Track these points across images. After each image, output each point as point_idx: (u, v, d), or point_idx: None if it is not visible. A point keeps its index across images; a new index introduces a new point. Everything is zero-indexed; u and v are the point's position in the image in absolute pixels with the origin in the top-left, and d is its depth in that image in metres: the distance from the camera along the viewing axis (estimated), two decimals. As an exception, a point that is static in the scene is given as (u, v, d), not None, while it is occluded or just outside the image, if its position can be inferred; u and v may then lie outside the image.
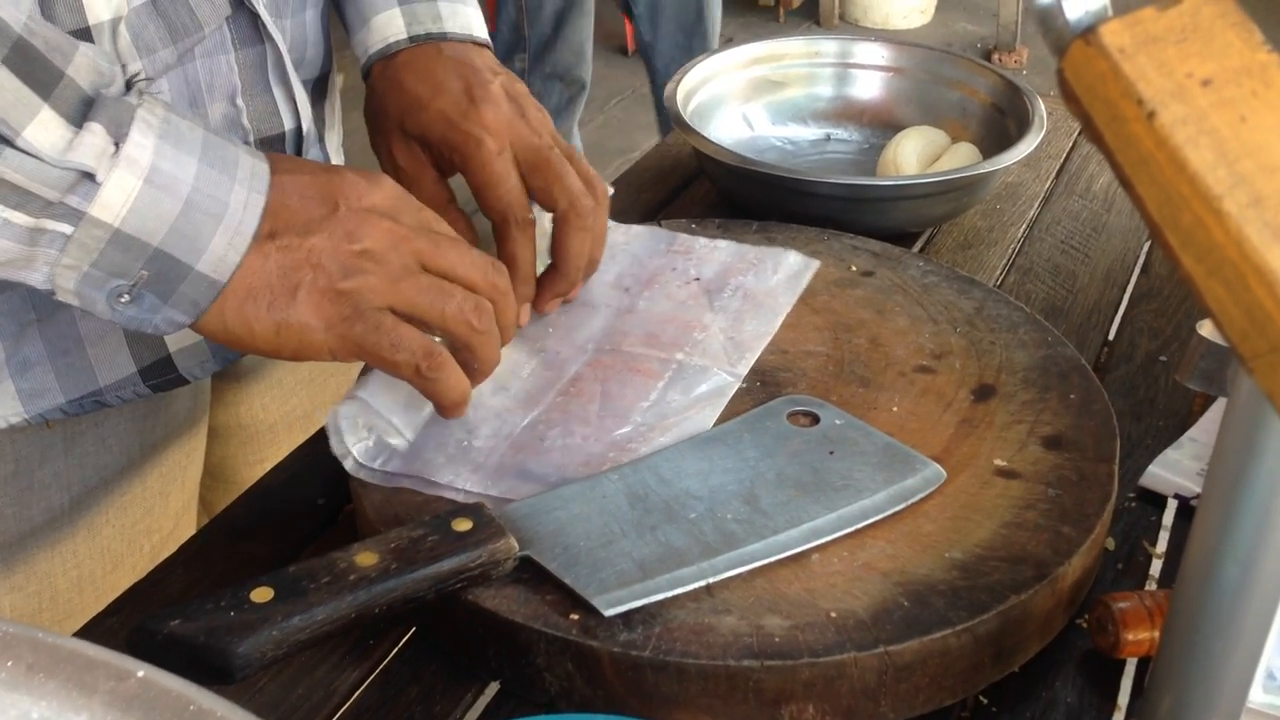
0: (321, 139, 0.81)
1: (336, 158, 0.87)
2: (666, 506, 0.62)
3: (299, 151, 0.77)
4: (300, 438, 0.77)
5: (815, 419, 0.68)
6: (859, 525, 0.61)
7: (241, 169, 0.58)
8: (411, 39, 0.75)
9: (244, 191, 0.57)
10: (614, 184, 1.06)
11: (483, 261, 0.63)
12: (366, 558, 0.55)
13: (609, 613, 0.56)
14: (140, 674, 0.37)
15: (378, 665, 0.61)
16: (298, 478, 0.73)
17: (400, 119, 0.74)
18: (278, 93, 0.73)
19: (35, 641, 0.38)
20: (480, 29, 0.78)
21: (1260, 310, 0.29)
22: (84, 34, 0.62)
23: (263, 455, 0.89)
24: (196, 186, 0.56)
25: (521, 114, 0.73)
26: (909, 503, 0.63)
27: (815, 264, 0.82)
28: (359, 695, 0.59)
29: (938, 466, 0.65)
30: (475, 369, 0.64)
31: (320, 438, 0.76)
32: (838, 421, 0.68)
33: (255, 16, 0.70)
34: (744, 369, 0.73)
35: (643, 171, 1.07)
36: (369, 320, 0.59)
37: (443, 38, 0.75)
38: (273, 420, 0.85)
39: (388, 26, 0.76)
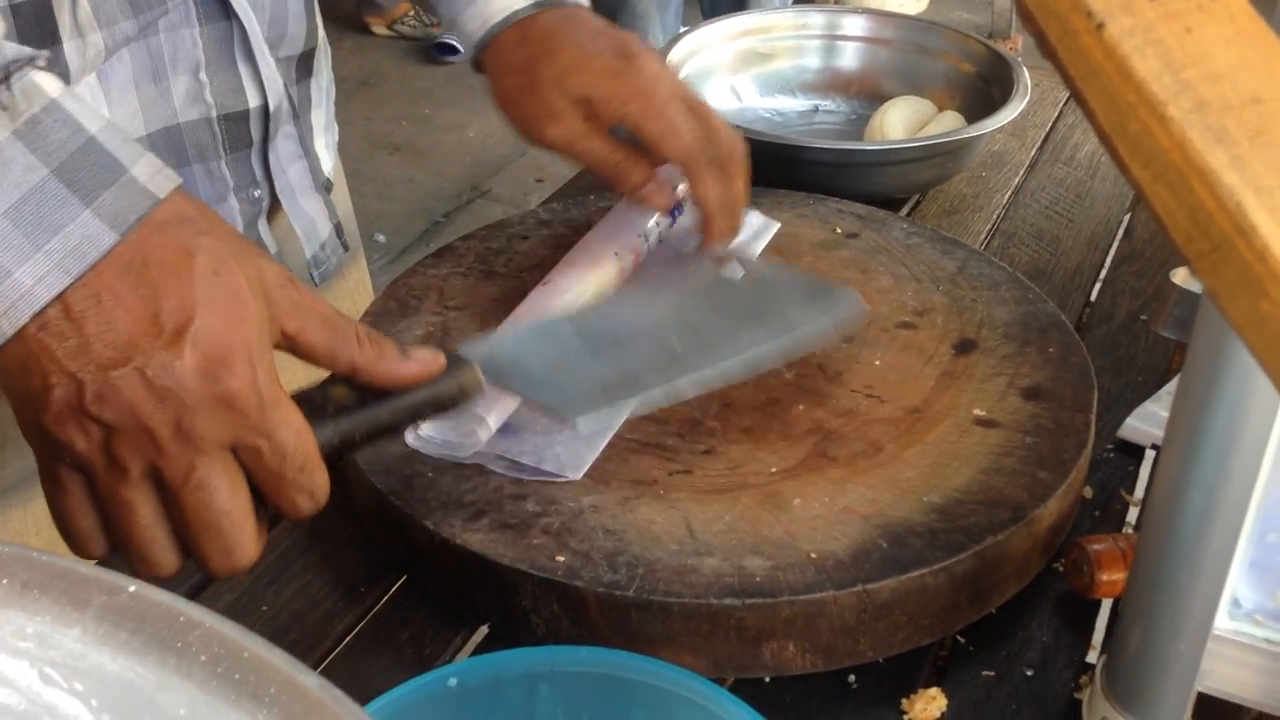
0: (296, 116, 0.81)
1: (324, 134, 0.87)
2: (614, 337, 0.65)
3: (266, 130, 0.76)
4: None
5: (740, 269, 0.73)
6: (796, 353, 0.67)
7: (66, 238, 0.47)
8: (537, 4, 0.75)
9: (46, 268, 0.47)
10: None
11: (216, 541, 0.50)
12: (340, 390, 0.54)
13: (580, 421, 0.60)
14: (132, 589, 0.38)
15: (369, 610, 0.62)
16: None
17: (560, 80, 0.73)
18: (243, 69, 0.73)
19: (29, 560, 0.39)
20: None
21: (1202, 210, 0.30)
22: (44, 4, 0.61)
23: None
24: None
25: (662, 69, 0.75)
26: (840, 330, 0.69)
27: (775, 225, 0.84)
28: (351, 639, 0.61)
29: (853, 291, 0.71)
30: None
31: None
32: (764, 269, 0.74)
33: None
34: None
35: (632, 142, 1.08)
36: (48, 473, 0.50)
37: (561, 3, 0.76)
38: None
39: None
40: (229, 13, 0.71)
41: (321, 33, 0.85)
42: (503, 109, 0.77)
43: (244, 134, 0.74)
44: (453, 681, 0.50)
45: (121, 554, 0.51)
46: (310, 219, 0.82)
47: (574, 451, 0.64)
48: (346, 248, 0.86)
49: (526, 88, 0.75)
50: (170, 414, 0.48)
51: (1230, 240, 0.29)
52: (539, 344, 0.64)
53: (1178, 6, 0.31)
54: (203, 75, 0.71)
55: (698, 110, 0.74)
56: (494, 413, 0.65)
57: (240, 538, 0.51)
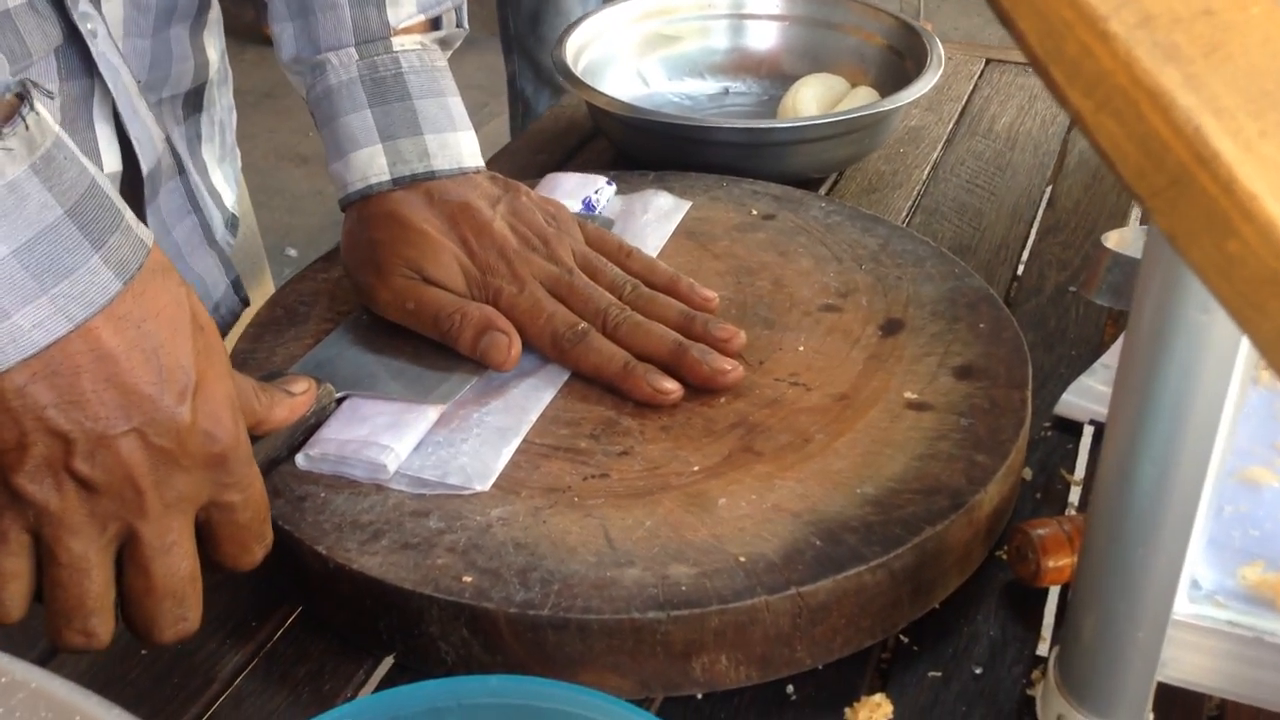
0: (182, 170, 0.74)
1: (220, 167, 0.81)
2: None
3: (141, 193, 0.69)
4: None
5: None
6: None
7: (74, 283, 0.44)
8: (395, 181, 0.67)
9: (48, 313, 0.43)
10: (506, 150, 1.02)
11: (175, 607, 0.49)
12: None
13: (446, 406, 0.62)
14: (-56, 648, 0.33)
15: (262, 647, 0.57)
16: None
17: (405, 253, 0.66)
18: (100, 131, 0.66)
19: None
20: (471, 156, 0.70)
21: (1155, 140, 0.26)
22: None
23: None
24: None
25: (531, 246, 0.67)
26: None
27: (686, 204, 0.80)
28: (241, 680, 0.55)
29: None
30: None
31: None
32: None
33: (87, 48, 0.63)
34: None
35: (538, 134, 1.03)
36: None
37: (430, 177, 0.68)
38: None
39: (369, 165, 0.68)
40: (91, 69, 0.64)
41: (219, 62, 0.78)
42: (345, 264, 0.70)
43: None
44: (347, 724, 0.44)
45: (55, 623, 0.48)
46: (200, 279, 0.75)
47: (480, 461, 0.59)
48: (246, 303, 0.80)
49: (364, 255, 0.68)
50: (163, 474, 0.47)
51: (1190, 172, 0.25)
52: (365, 346, 0.67)
53: (1113, -90, 0.27)
54: None
55: (564, 292, 0.66)
56: (402, 441, 0.60)
57: (197, 602, 0.50)
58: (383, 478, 0.59)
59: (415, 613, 0.53)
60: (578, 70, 0.96)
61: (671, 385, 0.63)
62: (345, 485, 0.59)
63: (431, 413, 0.62)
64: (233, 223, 0.82)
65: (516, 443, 0.61)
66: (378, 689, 0.55)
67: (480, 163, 0.70)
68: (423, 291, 0.66)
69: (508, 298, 0.66)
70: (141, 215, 0.71)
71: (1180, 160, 0.25)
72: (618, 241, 0.72)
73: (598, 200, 0.79)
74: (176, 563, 0.49)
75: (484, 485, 0.58)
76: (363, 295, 0.69)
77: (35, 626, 0.49)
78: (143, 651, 0.56)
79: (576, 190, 0.79)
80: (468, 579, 0.53)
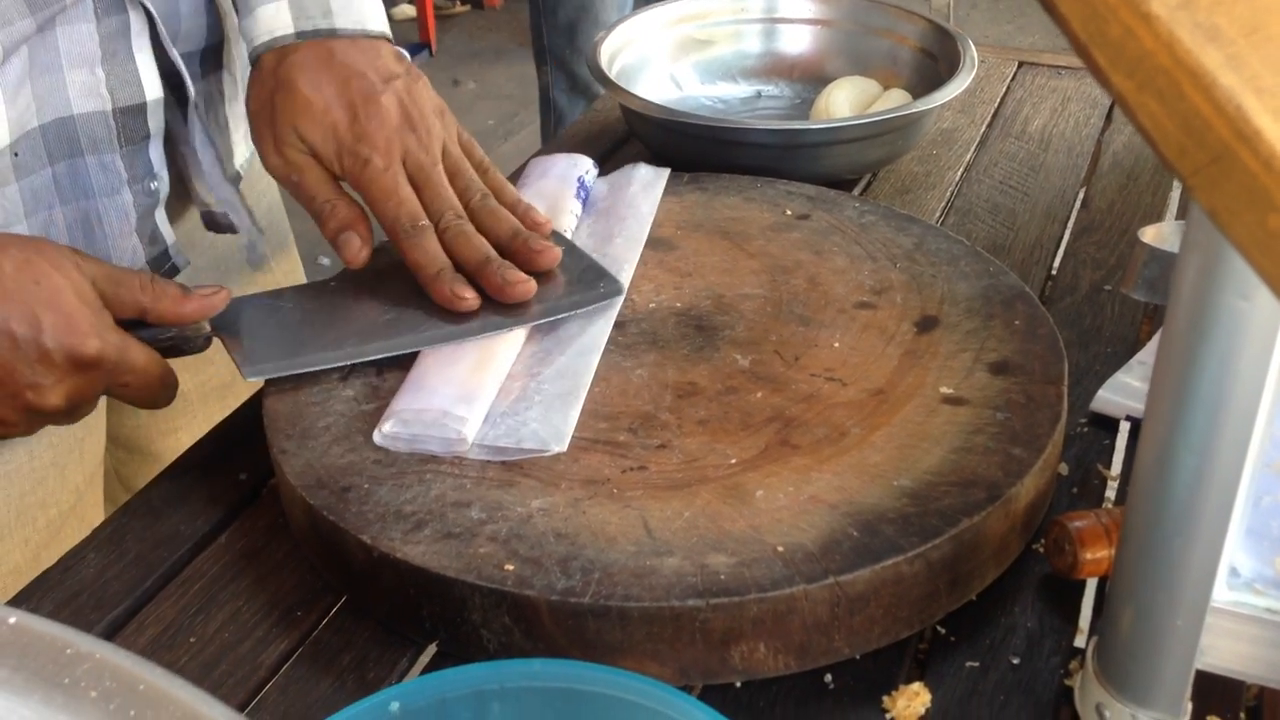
0: (198, 109, 0.77)
1: (241, 125, 0.84)
2: (336, 309, 0.71)
3: (184, 116, 0.73)
4: (215, 406, 0.73)
5: None
6: (533, 323, 0.68)
7: None
8: (299, 35, 0.71)
9: None
10: (542, 152, 1.03)
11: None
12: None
13: (250, 376, 0.65)
14: (12, 620, 0.34)
15: (307, 636, 0.58)
16: (219, 453, 0.69)
17: (293, 120, 0.70)
18: (140, 60, 0.70)
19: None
20: (376, 21, 0.73)
21: (1197, 118, 0.26)
22: None
23: (176, 425, 0.86)
24: None
25: (412, 127, 0.70)
26: (583, 310, 0.69)
27: (666, 171, 0.83)
28: (287, 668, 0.56)
29: (619, 280, 0.71)
30: None
31: (241, 413, 0.72)
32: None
33: None
34: (625, 279, 0.72)
35: (571, 137, 1.04)
36: None
37: (332, 34, 0.71)
38: (185, 388, 0.82)
39: (274, 20, 0.71)
40: (125, 5, 0.68)
41: (233, 24, 0.81)
42: (249, 119, 0.73)
43: (141, 126, 0.71)
44: (395, 706, 0.45)
45: None
46: (227, 202, 0.79)
47: (550, 425, 0.61)
48: (262, 232, 0.84)
49: (267, 113, 0.71)
50: (46, 390, 0.60)
51: (1231, 149, 0.26)
52: (268, 310, 0.70)
53: (1154, -104, 0.28)
54: (99, 69, 0.68)
55: (421, 181, 0.70)
56: (474, 410, 0.61)
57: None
58: (460, 450, 0.60)
59: (458, 600, 0.54)
60: (612, 74, 0.97)
61: (470, 294, 0.67)
62: (388, 477, 0.60)
63: (491, 382, 0.64)
64: (235, 177, 0.85)
65: (579, 405, 0.63)
66: (421, 675, 0.56)
67: (384, 28, 0.74)
68: (309, 171, 0.70)
69: (371, 171, 0.69)
70: (177, 140, 0.75)
71: (1222, 138, 0.26)
72: (481, 156, 0.75)
73: (588, 179, 0.82)
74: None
75: (560, 446, 0.60)
76: (260, 153, 0.72)
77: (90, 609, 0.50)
78: (190, 639, 0.57)
79: (567, 171, 0.81)
80: (509, 567, 0.54)
